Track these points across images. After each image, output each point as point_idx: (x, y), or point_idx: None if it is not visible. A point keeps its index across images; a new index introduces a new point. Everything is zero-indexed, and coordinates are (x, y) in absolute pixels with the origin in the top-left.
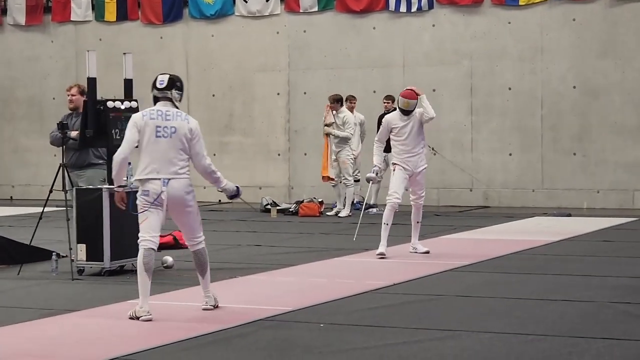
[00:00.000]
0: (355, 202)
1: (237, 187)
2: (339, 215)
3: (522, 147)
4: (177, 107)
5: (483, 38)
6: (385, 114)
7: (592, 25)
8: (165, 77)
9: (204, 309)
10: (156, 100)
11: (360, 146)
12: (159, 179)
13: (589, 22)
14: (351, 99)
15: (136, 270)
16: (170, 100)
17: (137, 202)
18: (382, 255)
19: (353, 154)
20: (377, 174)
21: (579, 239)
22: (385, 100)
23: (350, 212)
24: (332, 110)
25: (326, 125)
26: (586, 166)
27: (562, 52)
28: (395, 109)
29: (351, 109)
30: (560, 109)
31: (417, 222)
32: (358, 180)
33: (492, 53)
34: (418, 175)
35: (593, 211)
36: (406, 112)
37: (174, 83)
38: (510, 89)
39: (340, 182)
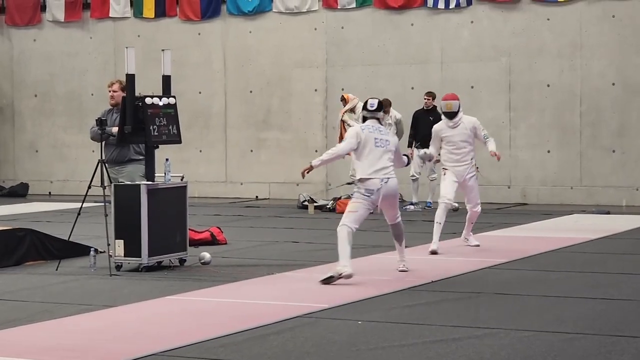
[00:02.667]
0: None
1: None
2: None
3: (560, 144)
4: (381, 124)
5: (522, 34)
6: (423, 110)
7: (632, 21)
8: (375, 101)
9: (400, 271)
10: (365, 118)
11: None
12: (379, 178)
13: (628, 18)
14: (387, 103)
15: (175, 266)
16: (377, 119)
17: (355, 194)
18: (434, 252)
19: None
20: (430, 157)
21: (618, 236)
22: (426, 97)
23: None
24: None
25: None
26: (625, 163)
27: (602, 49)
28: (434, 107)
29: (387, 111)
30: (599, 105)
31: (471, 223)
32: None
33: (531, 49)
34: (469, 181)
35: (632, 209)
36: (450, 115)
37: (381, 106)
38: (548, 85)
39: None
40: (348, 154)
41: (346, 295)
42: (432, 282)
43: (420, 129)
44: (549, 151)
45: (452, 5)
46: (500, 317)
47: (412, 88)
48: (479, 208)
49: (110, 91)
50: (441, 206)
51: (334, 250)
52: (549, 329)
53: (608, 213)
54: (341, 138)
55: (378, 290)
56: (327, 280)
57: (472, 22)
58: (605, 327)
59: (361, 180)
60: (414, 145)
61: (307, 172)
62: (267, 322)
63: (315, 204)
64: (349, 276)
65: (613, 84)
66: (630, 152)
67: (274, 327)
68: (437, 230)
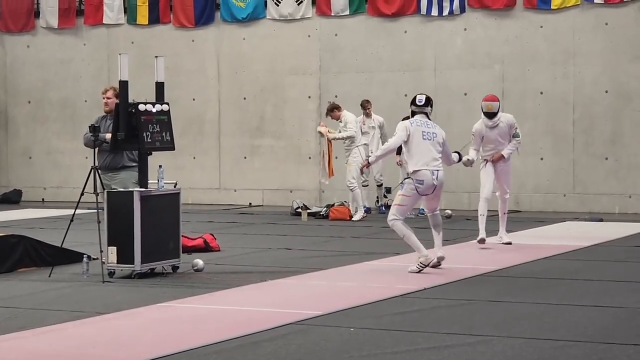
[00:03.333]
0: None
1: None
2: (352, 219)
3: (553, 151)
4: (429, 119)
5: (515, 42)
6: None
7: (625, 29)
8: (423, 97)
9: (439, 257)
10: (414, 113)
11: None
12: (430, 170)
13: (621, 26)
14: (366, 104)
15: (167, 273)
16: (426, 114)
17: (405, 187)
18: (482, 241)
19: (366, 157)
20: (472, 162)
21: (611, 244)
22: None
23: (364, 214)
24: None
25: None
26: (618, 170)
27: (595, 56)
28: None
29: (368, 115)
30: (593, 113)
31: (504, 214)
32: (380, 185)
33: (524, 57)
34: (502, 168)
35: (625, 216)
36: (491, 116)
37: (429, 101)
38: (542, 92)
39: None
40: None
41: (339, 302)
42: (425, 289)
43: None
44: (542, 158)
45: (446, 12)
46: (493, 324)
47: (406, 95)
48: (507, 195)
49: (104, 98)
50: (482, 200)
51: (327, 257)
52: (542, 336)
53: (601, 220)
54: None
55: (371, 297)
56: (418, 271)
57: (465, 29)
58: (598, 335)
59: (413, 172)
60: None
61: (367, 168)
62: (259, 329)
63: (308, 211)
64: (440, 262)
65: (606, 92)
66: (623, 159)
67: (267, 334)
68: (481, 222)
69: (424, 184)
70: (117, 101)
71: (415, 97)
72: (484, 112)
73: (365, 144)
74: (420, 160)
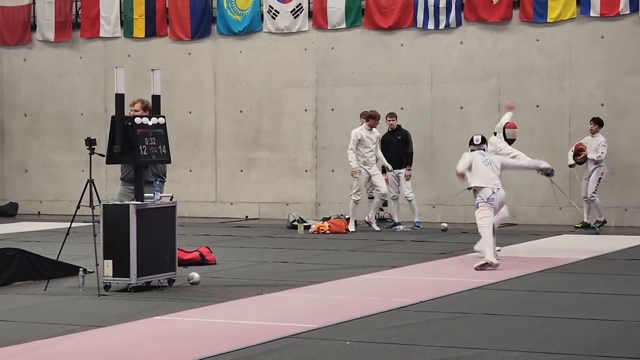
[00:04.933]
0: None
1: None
2: (348, 230)
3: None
4: (485, 151)
5: (511, 55)
6: (388, 132)
7: (621, 43)
8: (479, 137)
9: (498, 258)
10: (473, 149)
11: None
12: (489, 187)
13: (617, 39)
14: (377, 116)
15: (163, 286)
16: (482, 149)
17: (480, 204)
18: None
19: (360, 170)
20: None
21: (607, 257)
22: (389, 118)
23: (355, 228)
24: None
25: None
26: (614, 184)
27: (591, 69)
28: (399, 126)
29: (372, 126)
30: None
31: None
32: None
33: (520, 70)
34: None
35: (621, 229)
36: (512, 142)
37: (485, 140)
38: (538, 106)
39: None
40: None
41: (335, 315)
42: (421, 302)
43: (391, 150)
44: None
45: (442, 26)
46: (489, 338)
47: (402, 108)
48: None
49: (132, 110)
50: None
51: (323, 270)
52: (537, 350)
53: (597, 233)
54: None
55: (367, 310)
56: (482, 267)
57: (461, 42)
58: (594, 348)
59: (478, 187)
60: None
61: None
62: (255, 342)
63: (304, 224)
64: (497, 266)
65: (602, 105)
66: (618, 172)
67: (263, 348)
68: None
69: (489, 198)
70: (145, 114)
71: (472, 138)
72: (508, 139)
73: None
74: (481, 180)
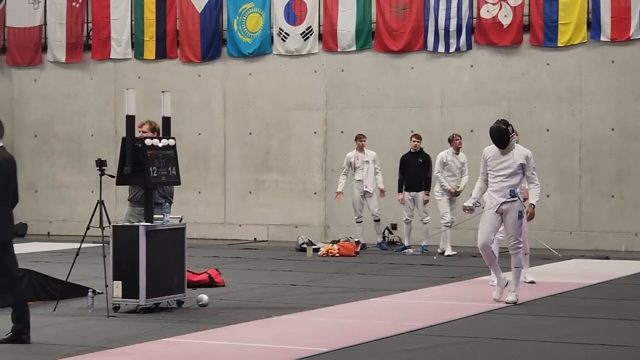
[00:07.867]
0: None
1: None
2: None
3: (559, 188)
4: None
5: (521, 79)
6: (410, 153)
7: (631, 67)
8: None
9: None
10: None
11: (375, 183)
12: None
13: (628, 64)
14: (361, 137)
15: (172, 307)
16: None
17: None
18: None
19: (358, 192)
20: None
21: (617, 282)
22: (414, 139)
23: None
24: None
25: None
26: (624, 208)
27: (601, 94)
28: (422, 149)
29: (361, 148)
30: (599, 150)
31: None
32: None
33: (530, 94)
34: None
35: (631, 254)
36: None
37: None
38: (548, 130)
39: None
40: None
41: (344, 339)
42: (431, 326)
43: (409, 171)
44: (548, 196)
45: (452, 49)
46: None
47: (412, 131)
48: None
49: (140, 132)
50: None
51: (332, 293)
52: None
53: (607, 258)
54: None
55: (376, 334)
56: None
57: (472, 66)
58: None
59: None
60: (403, 189)
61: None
62: None
63: (313, 247)
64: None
65: (612, 129)
66: (629, 197)
67: None
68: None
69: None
70: (154, 135)
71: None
72: None
73: (359, 179)
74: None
